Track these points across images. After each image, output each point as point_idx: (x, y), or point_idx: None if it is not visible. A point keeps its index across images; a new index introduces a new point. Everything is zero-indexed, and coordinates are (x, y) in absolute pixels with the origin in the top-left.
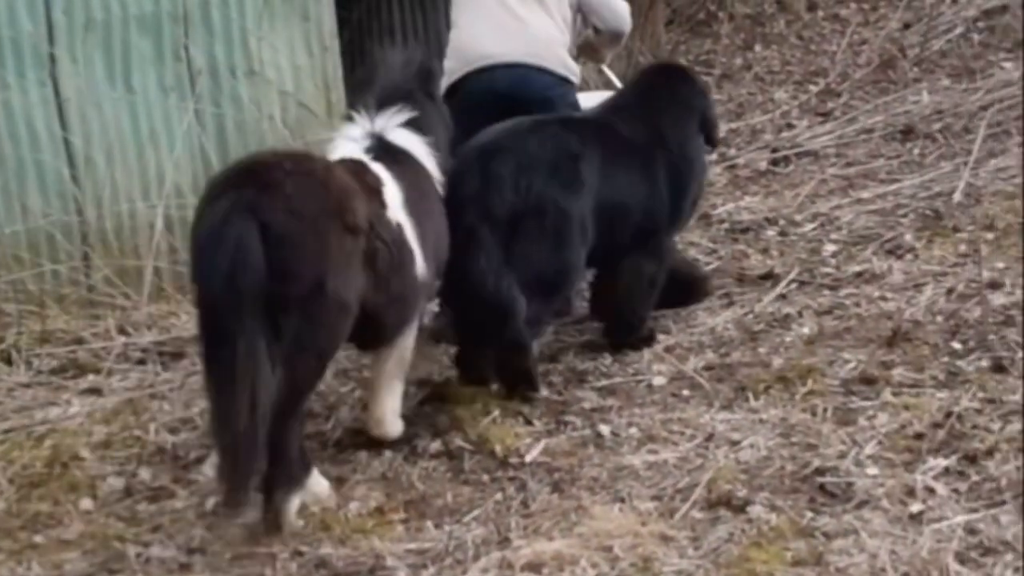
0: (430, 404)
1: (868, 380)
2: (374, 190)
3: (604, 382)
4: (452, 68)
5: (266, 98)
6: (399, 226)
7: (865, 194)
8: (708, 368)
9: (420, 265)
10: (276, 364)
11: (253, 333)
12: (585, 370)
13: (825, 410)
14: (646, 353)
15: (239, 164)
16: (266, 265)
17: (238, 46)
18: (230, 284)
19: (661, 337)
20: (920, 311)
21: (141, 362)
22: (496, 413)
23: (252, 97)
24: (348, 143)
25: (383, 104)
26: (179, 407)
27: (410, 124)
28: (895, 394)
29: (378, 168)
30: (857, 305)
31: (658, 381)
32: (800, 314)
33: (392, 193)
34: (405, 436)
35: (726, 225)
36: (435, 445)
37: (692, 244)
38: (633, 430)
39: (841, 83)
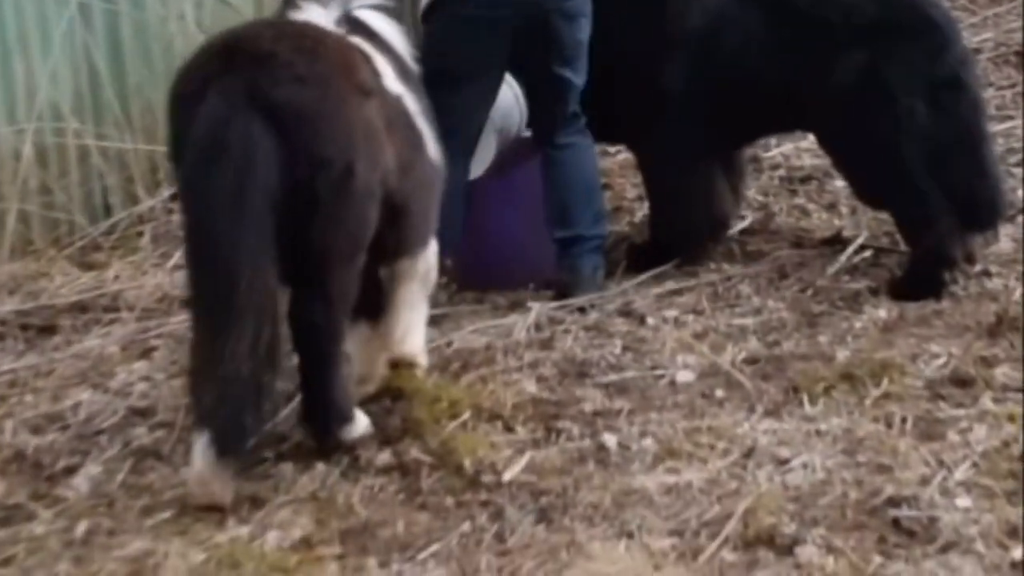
0: (378, 402)
1: (962, 381)
2: (364, 56)
3: (612, 377)
4: None
5: None
6: (400, 98)
7: None
8: (750, 361)
9: (432, 148)
10: (302, 292)
11: (262, 256)
12: (588, 360)
13: (904, 420)
14: (668, 340)
15: (212, 46)
16: (282, 159)
17: None
18: (238, 202)
19: (689, 319)
20: None
21: None
22: (466, 415)
23: None
24: (315, 19)
25: None
26: (45, 399)
27: (380, 8)
28: (996, 401)
29: (358, 40)
30: (951, 282)
31: (684, 377)
32: (875, 292)
33: (381, 64)
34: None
35: (781, 172)
36: (383, 457)
37: None
38: (648, 442)
39: None
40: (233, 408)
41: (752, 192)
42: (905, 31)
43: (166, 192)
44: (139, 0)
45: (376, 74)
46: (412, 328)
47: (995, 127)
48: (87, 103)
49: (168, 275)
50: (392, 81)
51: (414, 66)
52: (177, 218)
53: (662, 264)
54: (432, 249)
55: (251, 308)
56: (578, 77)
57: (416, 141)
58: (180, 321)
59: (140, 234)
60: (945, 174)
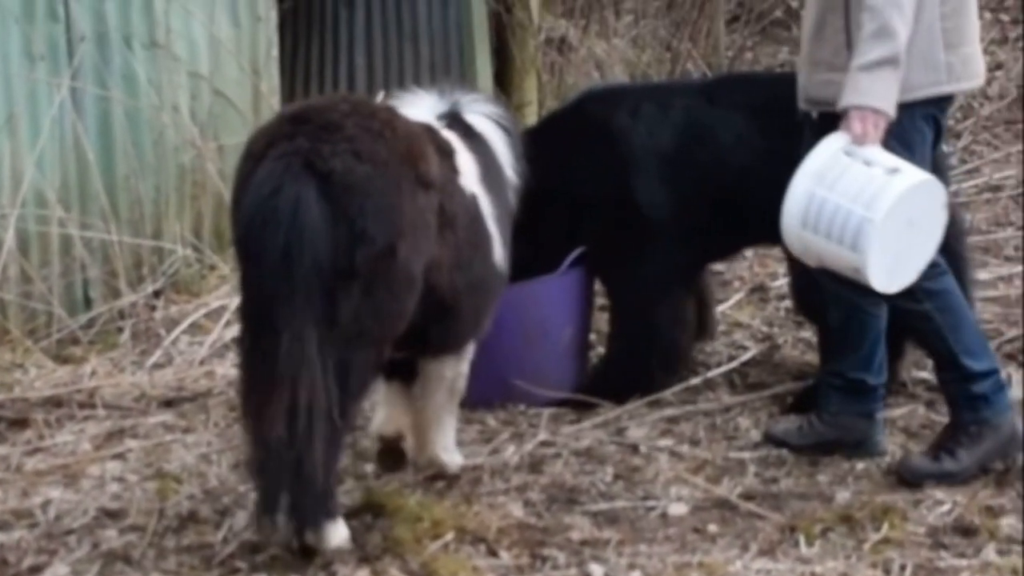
0: (359, 516)
1: (966, 530)
2: (445, 152)
3: (602, 505)
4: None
5: (170, 80)
6: (474, 198)
7: (984, 275)
8: (747, 496)
9: (499, 252)
10: (329, 363)
11: (304, 322)
12: (578, 487)
13: (903, 568)
14: (662, 470)
15: (284, 113)
16: (327, 229)
17: (137, 7)
18: (284, 266)
19: (685, 451)
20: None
21: None
22: (450, 536)
23: (151, 78)
24: (414, 108)
25: (464, 93)
26: (14, 494)
27: (493, 116)
28: (1001, 552)
29: (449, 135)
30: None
31: (676, 510)
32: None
33: (465, 161)
34: (320, 560)
35: (787, 303)
36: (362, 575)
37: (740, 326)
38: (636, 574)
39: (963, 120)
40: (269, 476)
41: (757, 323)
42: None
43: (149, 288)
44: (133, 88)
45: (453, 170)
46: (439, 439)
47: (1011, 270)
48: (73, 191)
49: (147, 374)
50: (471, 180)
51: (511, 174)
52: (159, 316)
53: (608, 397)
54: (467, 356)
55: (287, 376)
56: None
57: (480, 241)
58: (156, 422)
59: (120, 330)
60: None
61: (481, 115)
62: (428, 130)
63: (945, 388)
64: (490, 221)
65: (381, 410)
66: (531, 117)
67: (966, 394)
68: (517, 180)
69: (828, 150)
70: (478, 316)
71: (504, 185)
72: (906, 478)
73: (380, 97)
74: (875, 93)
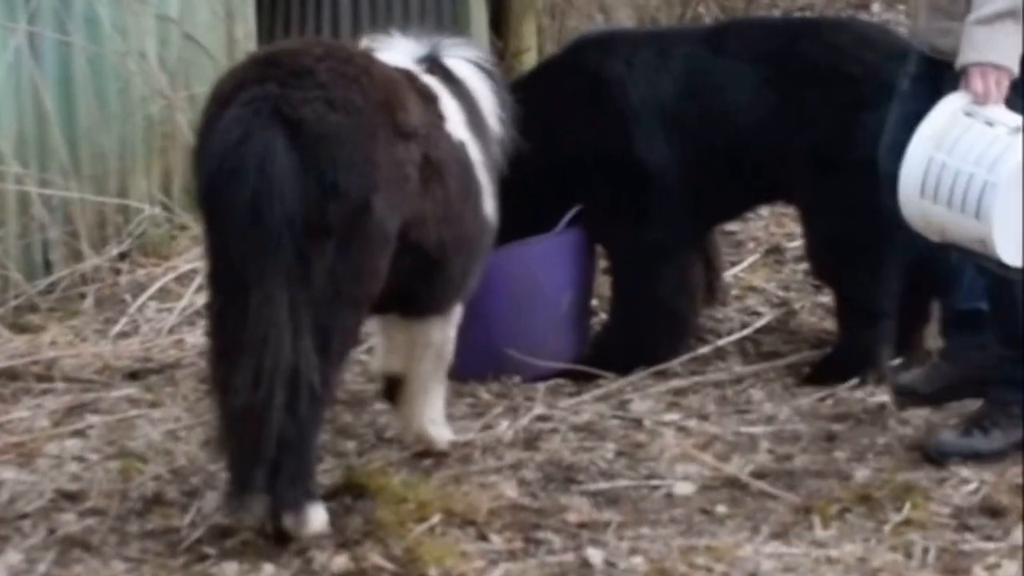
0: (339, 498)
1: (993, 511)
2: (428, 97)
3: (602, 485)
4: None
5: (137, 24)
6: (462, 145)
7: None
8: (759, 475)
9: (489, 204)
10: (304, 327)
11: (274, 282)
12: (576, 465)
13: (926, 551)
14: (668, 447)
15: (254, 56)
16: (297, 182)
17: None
18: (252, 223)
19: (692, 426)
20: None
21: None
22: (436, 519)
23: (116, 21)
24: (392, 52)
25: (444, 37)
26: None
27: (475, 60)
28: None
29: (430, 80)
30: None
31: (682, 489)
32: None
33: (450, 107)
34: (296, 547)
35: (804, 265)
36: (340, 561)
37: (754, 290)
38: (638, 559)
39: None
40: (242, 452)
41: (772, 287)
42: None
43: (114, 250)
44: (96, 33)
45: (438, 117)
46: (427, 411)
47: None
48: (31, 146)
49: (111, 344)
50: (458, 127)
51: (495, 122)
52: (124, 280)
53: (610, 368)
54: (455, 319)
55: (258, 340)
56: None
57: (470, 193)
58: (120, 396)
59: (82, 296)
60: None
61: (463, 59)
62: (408, 76)
63: (996, 364)
64: (479, 169)
65: (380, 346)
66: (529, 65)
67: (1019, 375)
68: (502, 131)
69: (947, 111)
70: (466, 273)
71: (489, 134)
72: (931, 454)
73: (356, 41)
74: (995, 48)
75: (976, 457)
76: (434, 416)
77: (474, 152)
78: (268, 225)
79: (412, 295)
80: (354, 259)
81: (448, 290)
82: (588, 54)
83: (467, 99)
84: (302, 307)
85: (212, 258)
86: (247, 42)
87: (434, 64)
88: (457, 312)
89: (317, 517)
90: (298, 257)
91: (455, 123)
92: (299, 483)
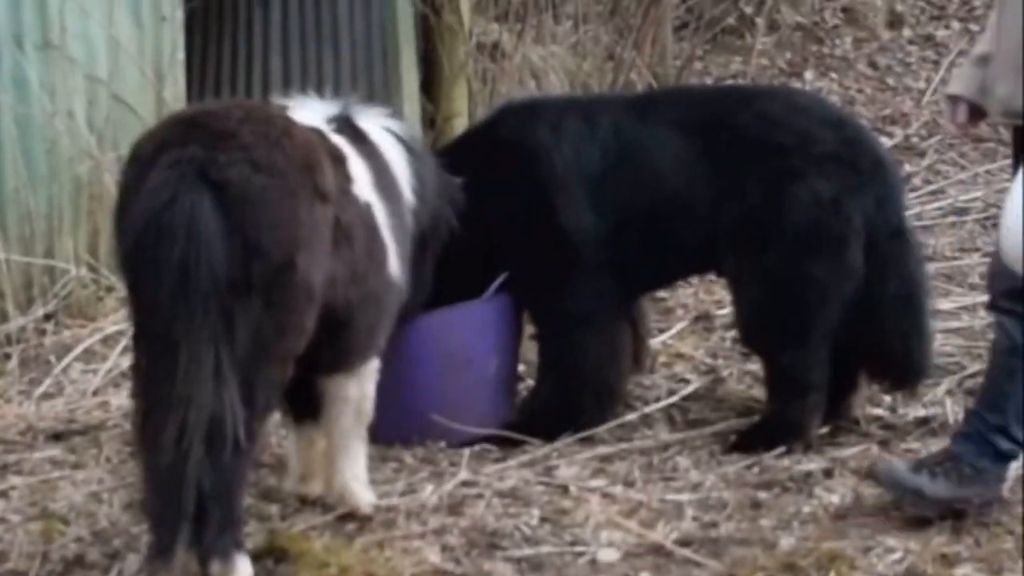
0: (261, 561)
1: None
2: (337, 158)
3: (527, 551)
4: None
5: (65, 84)
6: (368, 207)
7: (946, 304)
8: (683, 542)
9: (394, 264)
10: (231, 382)
11: (201, 340)
12: (500, 531)
13: None
14: (593, 513)
15: (175, 117)
16: (223, 243)
17: (29, 4)
18: (180, 282)
19: (618, 492)
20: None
21: None
22: None
23: (44, 81)
24: (305, 111)
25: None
26: None
27: (392, 125)
28: None
29: (339, 141)
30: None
31: (607, 556)
32: (829, 473)
33: (358, 168)
34: None
35: (733, 333)
36: None
37: (682, 357)
38: None
39: (927, 138)
40: (166, 509)
41: (700, 354)
42: (860, 170)
43: (40, 311)
44: (24, 92)
45: (346, 178)
46: (348, 468)
47: (975, 299)
48: None
49: (34, 405)
50: (364, 188)
51: (405, 184)
52: (49, 341)
53: (536, 434)
54: (370, 376)
55: (183, 395)
56: None
57: (376, 254)
58: (43, 457)
59: (7, 356)
60: (877, 329)
61: (374, 120)
62: (320, 136)
63: (972, 421)
64: (385, 231)
65: (294, 461)
66: (460, 129)
67: (985, 439)
68: (417, 200)
69: None
70: (374, 332)
71: (399, 197)
72: (879, 478)
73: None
74: None
75: (916, 496)
76: (356, 472)
77: (380, 214)
78: (196, 285)
79: (322, 354)
80: (279, 316)
81: (355, 349)
82: (513, 121)
83: (376, 161)
84: (228, 362)
85: (138, 317)
86: (176, 103)
87: (344, 124)
88: (373, 368)
89: (244, 567)
90: (224, 315)
91: (362, 184)
92: (226, 531)
